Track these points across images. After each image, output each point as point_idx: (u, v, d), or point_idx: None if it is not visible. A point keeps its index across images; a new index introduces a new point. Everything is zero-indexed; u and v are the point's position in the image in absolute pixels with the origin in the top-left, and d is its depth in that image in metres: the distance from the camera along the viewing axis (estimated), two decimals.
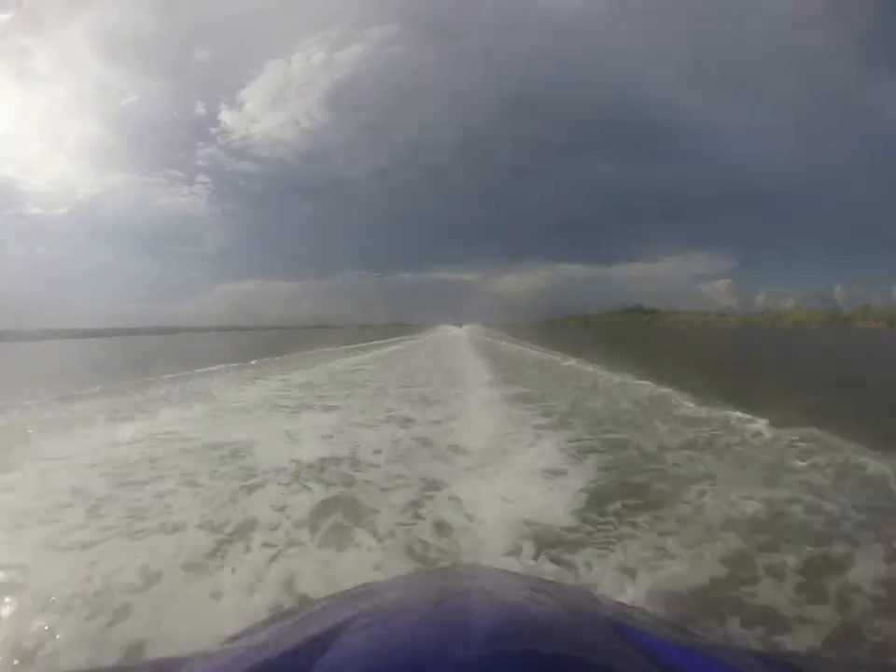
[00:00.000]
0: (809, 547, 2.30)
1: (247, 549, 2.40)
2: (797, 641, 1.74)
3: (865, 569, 2.08)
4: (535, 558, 2.28)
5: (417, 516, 2.76)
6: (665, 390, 6.93)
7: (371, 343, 24.84)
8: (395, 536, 2.53)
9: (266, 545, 2.43)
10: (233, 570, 2.21)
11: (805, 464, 3.49)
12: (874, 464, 3.31)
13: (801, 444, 3.92)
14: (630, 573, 2.13)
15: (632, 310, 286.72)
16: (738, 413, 5.01)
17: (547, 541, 2.43)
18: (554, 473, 3.44)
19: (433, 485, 3.21)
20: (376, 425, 5.17)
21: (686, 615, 1.85)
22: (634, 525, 2.61)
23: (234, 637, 0.85)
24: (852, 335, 57.62)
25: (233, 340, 46.62)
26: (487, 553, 2.31)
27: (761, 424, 4.55)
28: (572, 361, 12.37)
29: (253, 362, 12.88)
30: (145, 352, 28.34)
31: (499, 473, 3.46)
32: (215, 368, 11.24)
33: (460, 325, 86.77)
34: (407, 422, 5.27)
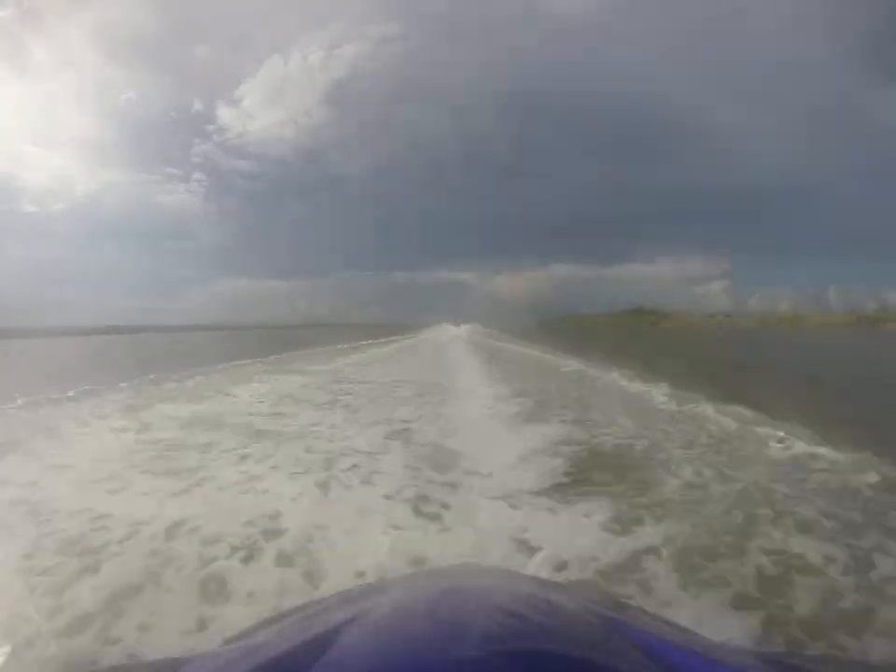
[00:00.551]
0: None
1: None
2: (797, 641, 1.75)
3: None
4: None
5: None
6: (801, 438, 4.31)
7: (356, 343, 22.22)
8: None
9: None
10: None
11: None
12: None
13: None
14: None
15: (635, 310, 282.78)
16: None
17: None
18: None
19: None
20: None
21: (686, 615, 1.83)
22: None
23: (234, 637, 0.88)
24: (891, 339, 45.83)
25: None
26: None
27: None
28: (614, 373, 9.73)
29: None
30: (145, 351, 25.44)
31: None
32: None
33: (458, 324, 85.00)
34: None
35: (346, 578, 2.14)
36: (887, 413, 6.69)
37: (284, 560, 2.35)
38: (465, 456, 4.02)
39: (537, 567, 2.23)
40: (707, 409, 5.82)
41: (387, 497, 3.11)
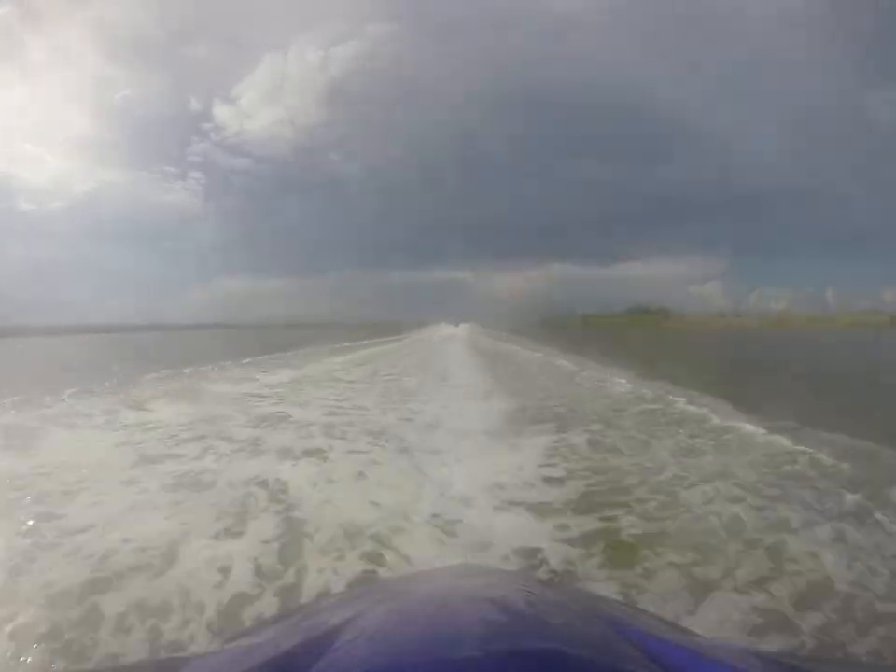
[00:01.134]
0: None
1: None
2: (797, 641, 1.74)
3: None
4: None
5: None
6: None
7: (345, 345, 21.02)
8: None
9: None
10: None
11: None
12: None
13: None
14: None
15: (636, 310, 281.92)
16: None
17: None
18: None
19: None
20: None
21: (686, 615, 1.83)
22: None
23: (234, 637, 0.92)
24: None
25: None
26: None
27: None
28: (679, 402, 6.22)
29: None
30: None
31: None
32: None
33: (457, 324, 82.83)
34: None
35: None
36: None
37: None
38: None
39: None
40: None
41: None
